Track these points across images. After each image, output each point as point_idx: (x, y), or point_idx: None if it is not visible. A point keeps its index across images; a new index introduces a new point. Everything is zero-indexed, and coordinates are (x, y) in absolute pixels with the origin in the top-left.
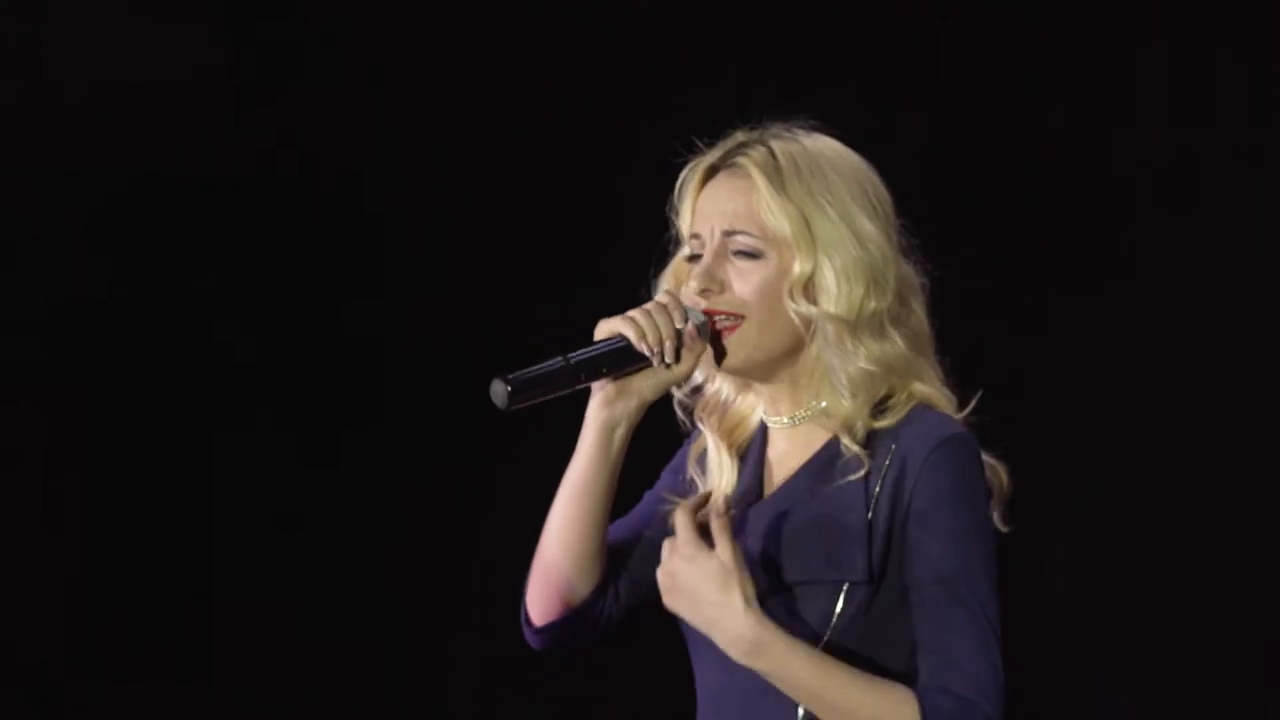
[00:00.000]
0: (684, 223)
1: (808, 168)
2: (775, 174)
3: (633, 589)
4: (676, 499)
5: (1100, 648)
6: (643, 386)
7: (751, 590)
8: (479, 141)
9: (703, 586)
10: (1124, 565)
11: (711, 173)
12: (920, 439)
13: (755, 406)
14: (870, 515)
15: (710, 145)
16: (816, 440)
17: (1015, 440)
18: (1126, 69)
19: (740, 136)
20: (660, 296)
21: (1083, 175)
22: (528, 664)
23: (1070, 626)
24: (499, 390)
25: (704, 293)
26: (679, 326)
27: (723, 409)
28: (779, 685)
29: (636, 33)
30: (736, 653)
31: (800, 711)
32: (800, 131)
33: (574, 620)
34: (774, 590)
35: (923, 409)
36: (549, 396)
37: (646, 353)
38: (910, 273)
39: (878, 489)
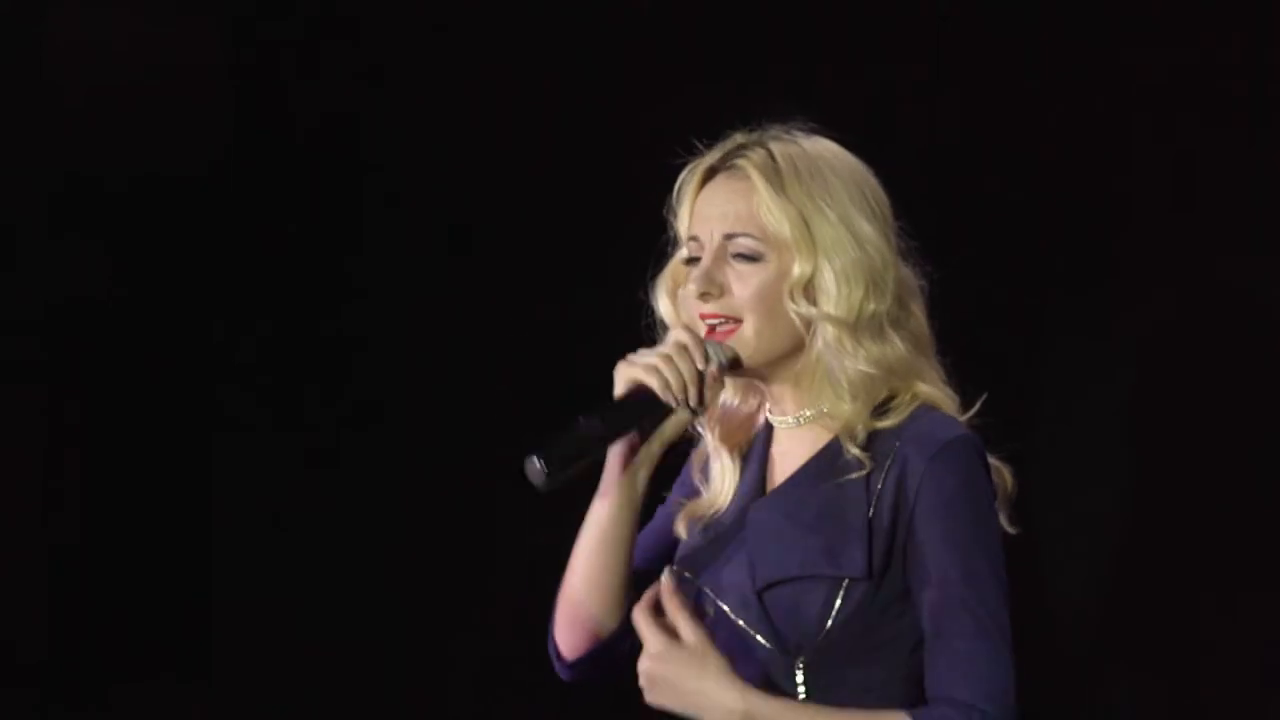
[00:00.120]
0: (682, 225)
1: (807, 170)
2: (775, 176)
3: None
4: (684, 500)
5: (1101, 648)
6: (664, 428)
7: (725, 662)
8: (479, 141)
9: (680, 677)
10: (1124, 566)
11: (710, 175)
12: (923, 441)
13: (756, 409)
14: (871, 513)
15: (709, 146)
16: (820, 439)
17: (1015, 441)
18: (1126, 69)
19: (739, 138)
20: (680, 335)
21: (1082, 175)
22: (528, 664)
23: (1070, 627)
24: (534, 470)
25: (703, 296)
26: (702, 369)
27: (724, 414)
28: None
29: (636, 33)
30: None
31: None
32: (799, 134)
33: (603, 653)
34: (774, 584)
35: (926, 409)
36: (583, 463)
37: (672, 403)
38: (909, 275)
39: (879, 487)
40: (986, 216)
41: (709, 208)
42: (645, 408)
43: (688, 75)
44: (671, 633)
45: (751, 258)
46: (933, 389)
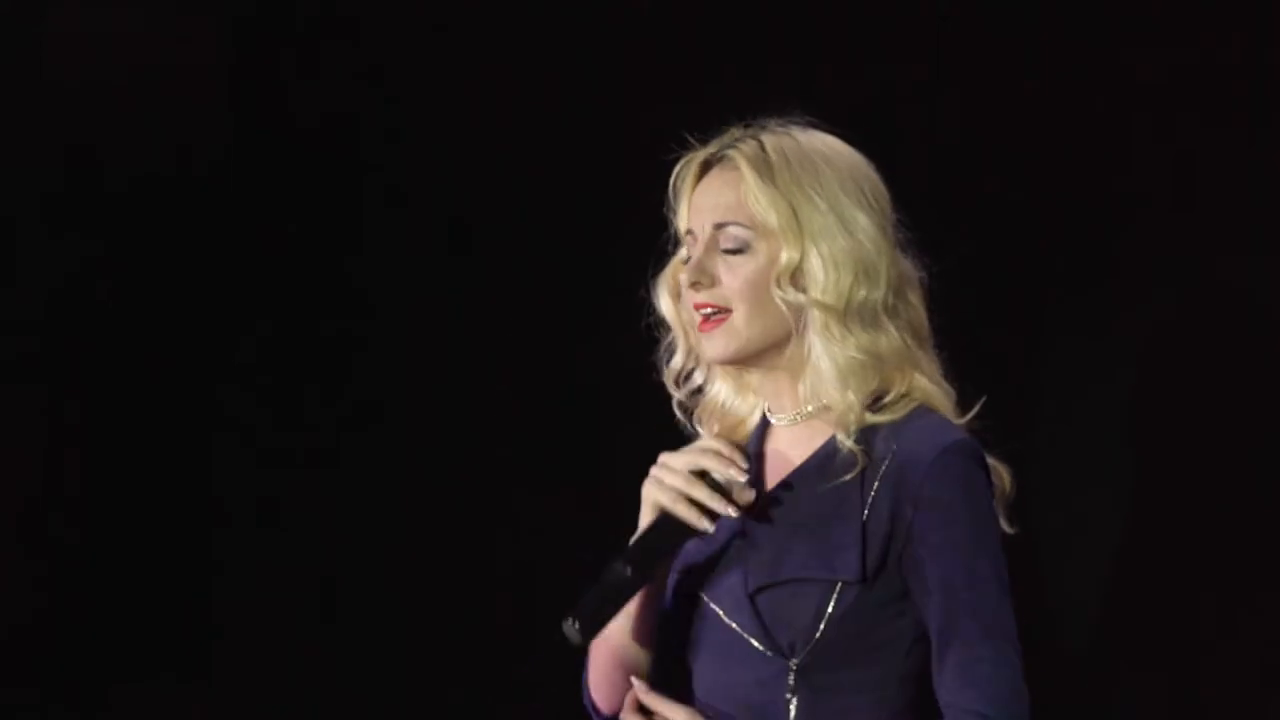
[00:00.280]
0: (680, 221)
1: (798, 159)
2: (764, 165)
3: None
4: None
5: (1101, 648)
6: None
7: None
8: (479, 141)
9: None
10: (1124, 566)
11: (706, 170)
12: (921, 445)
13: (755, 406)
14: (866, 516)
15: (704, 141)
16: (818, 438)
17: (1015, 441)
18: (1126, 69)
19: (735, 132)
20: (711, 442)
21: (1082, 175)
22: (528, 664)
23: (1070, 627)
24: (571, 632)
25: (694, 285)
26: (740, 476)
27: (722, 411)
28: None
29: (636, 33)
30: None
31: (792, 708)
32: (795, 127)
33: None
34: (767, 587)
35: (924, 411)
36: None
37: (708, 529)
38: (909, 267)
39: (875, 490)
40: (986, 216)
41: (702, 200)
42: (675, 536)
43: (688, 75)
44: None
45: (740, 247)
46: (929, 383)
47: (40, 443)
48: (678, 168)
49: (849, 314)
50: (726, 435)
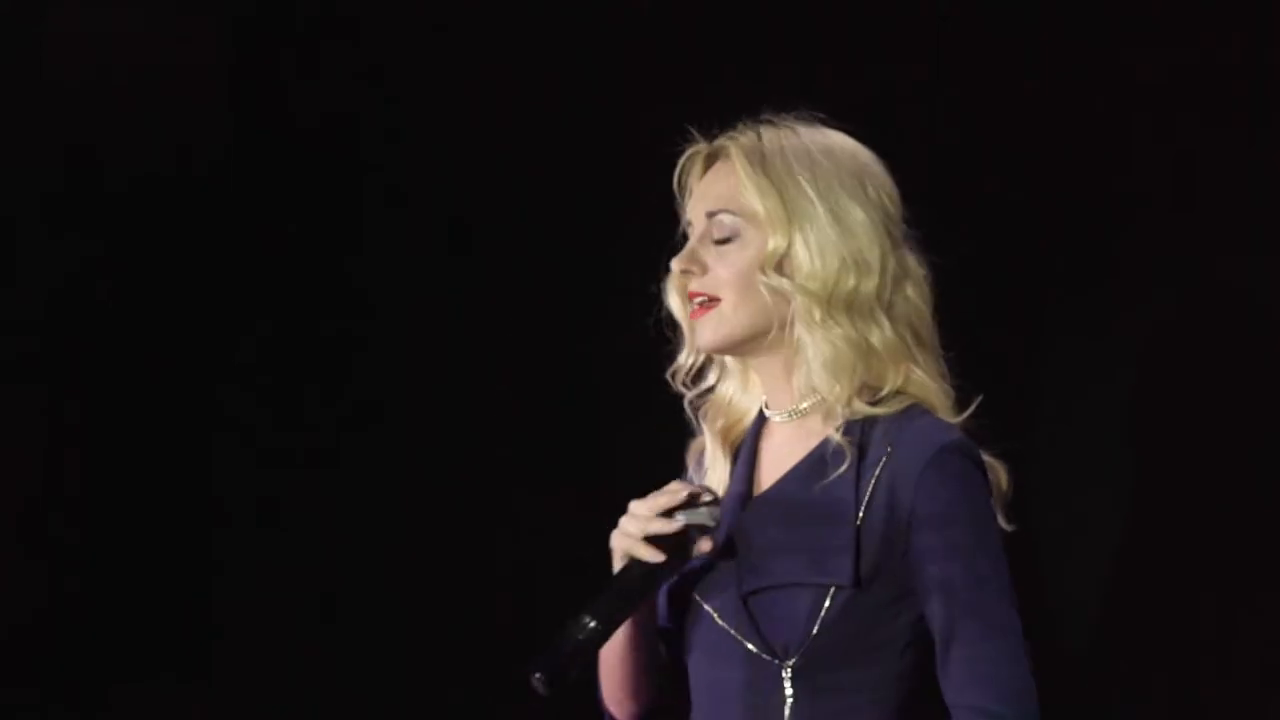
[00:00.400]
0: (683, 213)
1: (793, 151)
2: (757, 155)
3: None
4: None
5: (1101, 648)
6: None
7: None
8: (479, 141)
9: None
10: (1124, 566)
11: (711, 164)
12: (916, 446)
13: (755, 402)
14: (860, 520)
15: (713, 137)
16: (814, 438)
17: (1014, 441)
18: (1126, 69)
19: (742, 126)
20: (673, 485)
21: (1082, 175)
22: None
23: (1070, 627)
24: (538, 684)
25: (685, 273)
26: (692, 525)
27: (727, 408)
28: None
29: (636, 33)
30: None
31: (787, 708)
32: (802, 123)
33: (656, 709)
34: (761, 590)
35: (920, 411)
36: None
37: (675, 571)
38: (913, 265)
39: (869, 492)
40: (986, 216)
41: (700, 190)
42: (641, 583)
43: (688, 75)
44: None
45: (730, 235)
46: (927, 380)
47: (40, 443)
48: (681, 161)
49: (834, 302)
50: (725, 432)
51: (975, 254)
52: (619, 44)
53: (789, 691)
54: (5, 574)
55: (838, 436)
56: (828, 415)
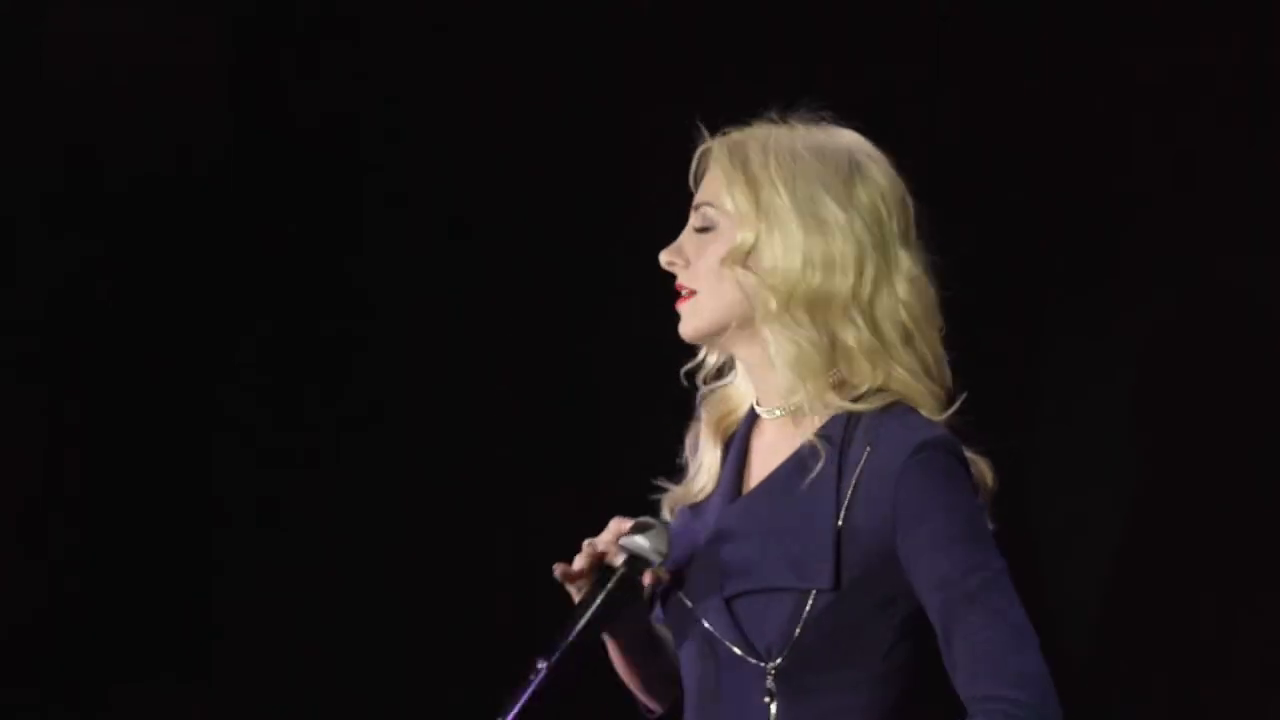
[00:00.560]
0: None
1: (776, 147)
2: (739, 150)
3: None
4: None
5: (1101, 648)
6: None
7: None
8: (479, 141)
9: None
10: (1124, 566)
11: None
12: (896, 443)
13: (750, 395)
14: (841, 521)
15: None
16: (799, 437)
17: (1014, 441)
18: (1126, 69)
19: (743, 124)
20: (615, 521)
21: (1082, 175)
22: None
23: (1070, 627)
24: None
25: (669, 265)
26: (636, 555)
27: (724, 404)
28: None
29: (636, 33)
30: None
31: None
32: (804, 122)
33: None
34: (743, 593)
35: (903, 408)
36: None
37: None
38: (908, 262)
39: (850, 493)
40: (986, 216)
41: (700, 184)
42: (594, 619)
43: (688, 75)
44: None
45: (708, 226)
46: (909, 378)
47: (40, 443)
48: (695, 157)
49: (794, 300)
50: (720, 422)
51: (975, 254)
52: (619, 44)
53: (774, 693)
54: (5, 574)
55: (816, 436)
56: (811, 412)
